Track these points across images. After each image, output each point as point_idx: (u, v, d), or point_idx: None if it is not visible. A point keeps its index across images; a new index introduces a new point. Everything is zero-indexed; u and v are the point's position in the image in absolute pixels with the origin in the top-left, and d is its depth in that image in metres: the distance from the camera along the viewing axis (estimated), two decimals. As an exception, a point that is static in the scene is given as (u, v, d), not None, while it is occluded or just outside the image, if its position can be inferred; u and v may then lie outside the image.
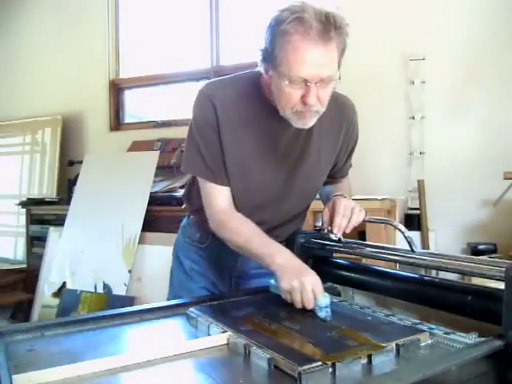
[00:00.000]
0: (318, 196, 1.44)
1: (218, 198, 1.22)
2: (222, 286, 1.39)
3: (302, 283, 1.01)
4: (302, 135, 1.23)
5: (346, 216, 1.20)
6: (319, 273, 1.33)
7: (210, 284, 1.39)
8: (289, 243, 1.36)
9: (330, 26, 1.01)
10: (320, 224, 1.36)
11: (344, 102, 1.32)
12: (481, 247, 2.50)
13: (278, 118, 1.14)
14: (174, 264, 1.46)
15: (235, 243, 1.20)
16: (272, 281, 1.14)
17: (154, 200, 3.05)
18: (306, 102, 1.06)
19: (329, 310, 1.00)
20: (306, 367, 0.73)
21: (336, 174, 1.40)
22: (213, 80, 1.27)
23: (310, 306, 1.01)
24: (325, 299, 1.01)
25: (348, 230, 1.21)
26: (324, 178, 1.35)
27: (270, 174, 1.24)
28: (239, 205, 1.25)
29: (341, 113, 1.29)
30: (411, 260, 1.09)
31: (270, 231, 1.25)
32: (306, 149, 1.25)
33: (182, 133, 3.60)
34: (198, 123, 1.21)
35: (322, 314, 0.99)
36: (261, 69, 1.14)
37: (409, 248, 1.11)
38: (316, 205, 1.45)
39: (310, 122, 1.13)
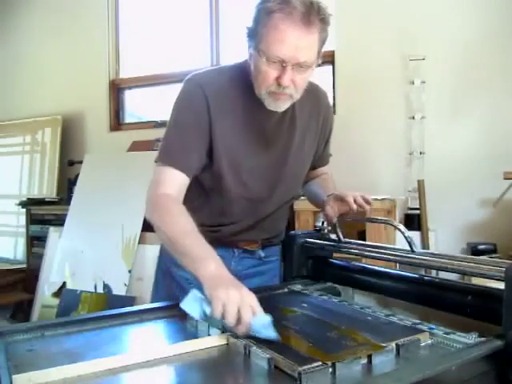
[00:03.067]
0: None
1: (170, 182, 1.13)
2: None
3: (241, 294, 0.87)
4: (286, 122, 1.24)
5: (358, 196, 1.20)
6: (320, 273, 1.34)
7: None
8: (289, 243, 1.37)
9: (313, 11, 1.03)
10: (320, 224, 1.36)
11: (318, 89, 1.35)
12: (481, 247, 2.50)
13: (263, 106, 1.15)
14: (161, 278, 1.36)
15: (167, 233, 1.05)
16: (195, 292, 0.92)
17: (154, 200, 3.05)
18: (281, 83, 1.07)
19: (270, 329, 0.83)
20: (305, 367, 0.73)
21: (317, 163, 1.41)
22: (200, 71, 1.25)
23: (247, 321, 0.84)
24: (265, 318, 0.85)
25: (368, 206, 1.20)
26: (308, 166, 1.36)
27: (261, 162, 1.24)
28: (234, 200, 1.24)
29: (317, 99, 1.32)
30: (411, 260, 1.09)
31: (259, 224, 1.27)
32: (291, 136, 1.26)
33: (181, 133, 3.61)
34: (183, 109, 1.18)
35: (266, 334, 0.83)
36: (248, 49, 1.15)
37: (409, 248, 1.11)
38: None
39: (283, 106, 1.14)
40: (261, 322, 0.84)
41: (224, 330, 0.88)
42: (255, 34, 1.08)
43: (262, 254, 1.38)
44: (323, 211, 1.31)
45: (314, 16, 1.03)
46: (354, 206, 1.19)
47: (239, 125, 1.20)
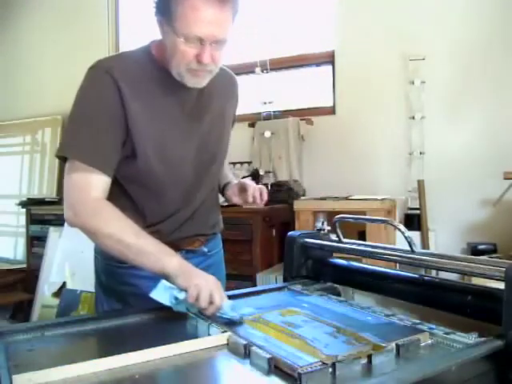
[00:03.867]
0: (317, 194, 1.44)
1: (96, 185, 1.08)
2: None
3: (212, 282, 1.01)
4: (204, 101, 1.23)
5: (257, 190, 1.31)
6: (319, 273, 1.34)
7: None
8: (289, 243, 1.37)
9: None
10: (320, 224, 1.36)
11: (231, 73, 1.36)
12: (481, 247, 2.51)
13: (179, 85, 1.13)
14: (101, 298, 1.30)
15: (120, 237, 1.04)
16: (164, 282, 1.03)
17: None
18: (201, 61, 1.06)
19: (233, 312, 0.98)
20: (305, 367, 0.73)
21: None
22: (104, 57, 1.18)
23: (218, 303, 0.98)
24: (230, 302, 1.01)
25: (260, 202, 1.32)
26: (227, 149, 1.36)
27: (184, 143, 1.20)
28: (165, 189, 1.19)
29: (231, 82, 1.35)
30: (411, 260, 1.09)
31: (196, 214, 1.24)
32: (211, 115, 1.25)
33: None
34: (94, 102, 1.10)
35: (232, 315, 0.98)
36: (157, 24, 1.12)
37: (409, 248, 1.11)
38: (316, 205, 1.45)
39: (203, 81, 1.13)
40: (228, 305, 0.99)
41: (189, 311, 1.03)
42: (168, 12, 1.04)
43: (206, 249, 1.34)
44: (224, 195, 1.42)
45: None
46: (250, 199, 1.31)
47: (159, 107, 1.15)
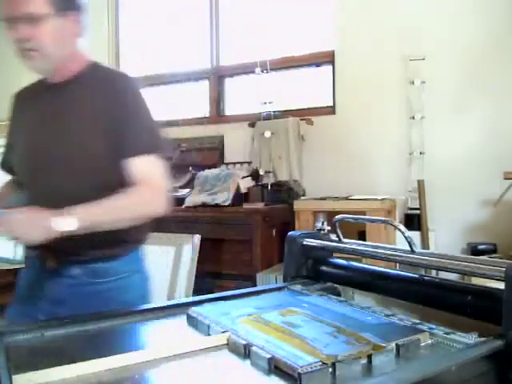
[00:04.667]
0: (326, 195, 1.43)
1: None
2: (39, 312, 1.29)
3: None
4: (61, 100, 1.27)
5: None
6: (319, 273, 1.34)
7: (26, 309, 1.32)
8: (289, 243, 1.37)
9: None
10: (320, 224, 1.36)
11: (119, 75, 1.31)
12: (481, 247, 2.51)
13: (48, 91, 1.28)
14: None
15: None
16: None
17: (154, 200, 3.04)
18: (14, 37, 1.17)
19: None
20: (305, 367, 0.73)
21: (121, 153, 1.23)
22: None
23: None
24: None
25: None
26: (99, 151, 1.22)
27: (25, 138, 1.30)
28: (24, 185, 1.34)
29: (111, 81, 1.27)
30: (411, 260, 1.09)
31: None
32: (65, 112, 1.26)
33: (182, 133, 3.61)
34: None
35: None
36: None
37: (409, 248, 1.11)
38: (316, 205, 1.45)
39: (32, 61, 1.21)
40: None
41: None
42: None
43: (77, 271, 1.28)
44: None
45: None
46: None
47: (23, 111, 1.34)
